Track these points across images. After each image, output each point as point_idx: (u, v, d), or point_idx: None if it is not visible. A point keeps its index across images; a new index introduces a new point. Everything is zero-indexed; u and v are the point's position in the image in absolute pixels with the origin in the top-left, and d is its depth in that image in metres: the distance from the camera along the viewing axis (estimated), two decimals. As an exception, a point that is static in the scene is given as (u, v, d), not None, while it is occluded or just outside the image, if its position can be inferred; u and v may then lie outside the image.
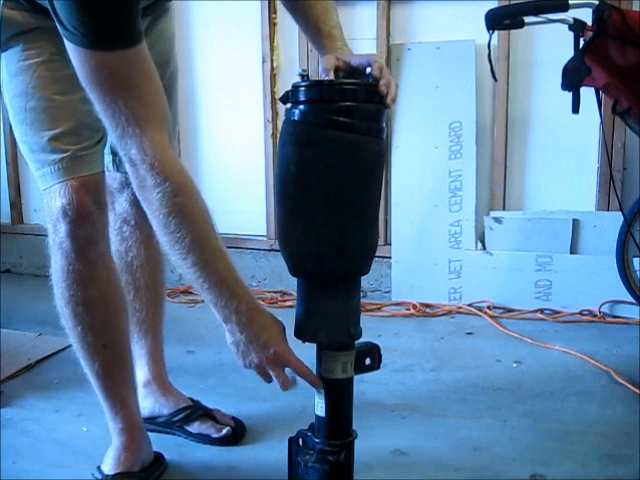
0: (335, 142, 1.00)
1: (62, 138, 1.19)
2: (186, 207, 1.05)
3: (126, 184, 1.45)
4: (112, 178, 1.45)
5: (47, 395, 1.76)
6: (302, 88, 1.02)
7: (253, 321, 1.10)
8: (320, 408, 1.13)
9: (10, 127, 1.25)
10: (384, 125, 1.05)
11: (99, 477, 1.34)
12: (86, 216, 1.20)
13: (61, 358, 1.98)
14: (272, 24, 2.58)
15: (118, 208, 1.48)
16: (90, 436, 1.54)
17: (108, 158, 1.41)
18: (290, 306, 2.39)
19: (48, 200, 1.21)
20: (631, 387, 1.74)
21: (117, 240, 1.48)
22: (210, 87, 2.75)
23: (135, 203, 1.47)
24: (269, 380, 1.13)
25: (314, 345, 1.13)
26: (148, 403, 1.54)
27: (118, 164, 1.43)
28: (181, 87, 2.38)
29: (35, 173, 1.24)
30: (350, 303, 1.10)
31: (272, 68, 2.61)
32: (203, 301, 2.36)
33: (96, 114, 1.06)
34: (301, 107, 1.01)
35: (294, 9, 1.22)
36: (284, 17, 2.55)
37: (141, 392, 1.51)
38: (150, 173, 1.03)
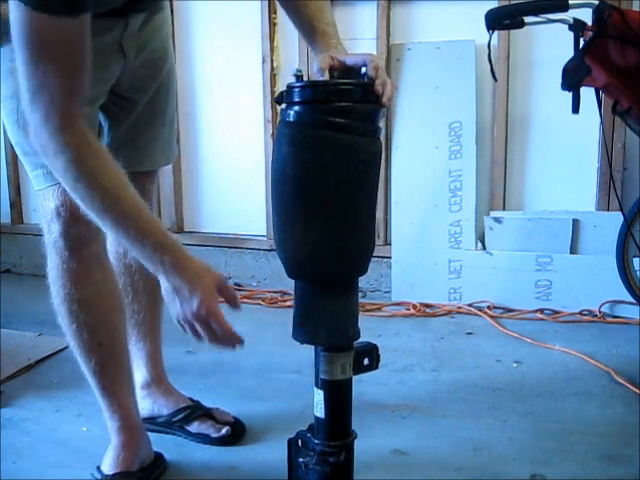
0: (331, 143, 0.99)
1: None
2: (88, 170, 1.02)
3: None
4: None
5: (47, 395, 1.76)
6: (297, 89, 1.01)
7: (181, 271, 1.03)
8: (319, 409, 1.13)
9: (9, 127, 1.25)
10: (380, 125, 1.05)
11: (98, 477, 1.34)
12: (79, 216, 1.20)
13: (61, 358, 1.99)
14: (272, 24, 2.58)
15: None
16: (90, 436, 1.55)
17: None
18: (290, 306, 2.37)
19: (42, 201, 1.23)
20: (631, 387, 1.74)
21: (115, 242, 1.48)
22: (210, 87, 2.75)
23: None
24: (198, 337, 1.05)
25: (312, 346, 1.13)
26: (147, 404, 1.54)
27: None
28: (181, 87, 2.39)
29: (30, 174, 1.25)
30: (348, 304, 1.09)
31: (272, 68, 2.60)
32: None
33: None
34: (296, 108, 1.01)
35: (289, 8, 1.23)
36: (284, 17, 2.52)
37: (140, 393, 1.51)
38: (50, 140, 1.00)
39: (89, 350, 1.29)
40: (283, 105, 1.04)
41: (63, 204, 1.20)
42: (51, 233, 1.23)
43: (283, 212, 1.05)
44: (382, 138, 1.10)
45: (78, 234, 1.22)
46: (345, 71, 1.07)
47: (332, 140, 0.99)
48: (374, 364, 1.15)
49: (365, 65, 1.04)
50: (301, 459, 1.16)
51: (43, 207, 1.23)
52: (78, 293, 1.25)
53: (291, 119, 1.01)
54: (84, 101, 1.04)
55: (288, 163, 1.02)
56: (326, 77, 1.05)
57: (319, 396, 1.12)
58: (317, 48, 1.15)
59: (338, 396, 1.13)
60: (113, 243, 1.48)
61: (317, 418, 1.14)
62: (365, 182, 1.04)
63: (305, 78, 1.04)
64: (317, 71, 1.06)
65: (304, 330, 1.10)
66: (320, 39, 1.15)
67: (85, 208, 1.04)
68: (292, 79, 1.04)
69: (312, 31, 1.17)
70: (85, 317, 1.27)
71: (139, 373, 1.54)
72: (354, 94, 1.01)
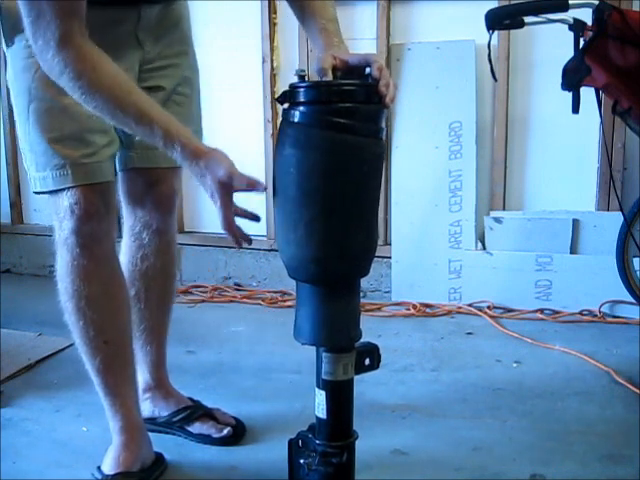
0: (335, 144, 0.99)
1: (64, 142, 1.19)
2: (92, 82, 1.02)
3: (151, 185, 1.42)
4: (134, 179, 1.41)
5: (47, 395, 1.76)
6: (301, 89, 1.01)
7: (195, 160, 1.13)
8: (321, 410, 1.12)
9: (10, 127, 1.25)
10: (383, 125, 1.04)
11: (99, 477, 1.34)
12: (93, 214, 1.22)
13: (61, 358, 1.98)
14: (272, 24, 2.57)
15: (140, 212, 1.44)
16: (90, 436, 1.54)
17: (129, 154, 1.37)
18: (290, 306, 2.39)
19: (55, 199, 1.23)
20: (631, 387, 1.74)
21: (134, 246, 1.46)
22: (210, 87, 2.73)
23: (159, 207, 1.43)
24: (229, 216, 1.17)
25: (313, 347, 1.13)
26: (148, 406, 1.54)
27: (143, 159, 1.39)
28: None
29: (35, 174, 1.24)
30: (351, 305, 1.09)
31: (272, 68, 2.60)
32: (203, 301, 2.35)
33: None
34: (300, 108, 1.00)
35: (294, 5, 1.22)
36: (284, 17, 2.55)
37: (141, 396, 1.51)
38: (53, 60, 1.01)
39: (95, 348, 1.29)
40: (285, 105, 1.04)
41: (77, 202, 1.21)
42: (63, 230, 1.24)
43: (286, 212, 1.05)
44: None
45: (91, 231, 1.23)
46: (348, 71, 1.07)
47: (336, 141, 0.99)
48: (375, 364, 1.15)
49: (369, 65, 1.03)
50: (302, 460, 1.16)
51: (56, 205, 1.23)
52: (86, 290, 1.26)
53: (295, 119, 1.01)
54: (81, 19, 1.04)
55: (292, 164, 1.02)
56: (329, 77, 1.05)
57: (321, 397, 1.12)
58: (319, 45, 1.15)
59: (340, 397, 1.13)
60: (132, 248, 1.47)
61: (319, 419, 1.14)
62: (369, 183, 1.04)
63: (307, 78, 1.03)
64: (318, 71, 1.05)
65: (306, 331, 1.09)
66: (322, 36, 1.15)
67: (100, 113, 1.05)
68: (292, 79, 1.03)
69: (314, 27, 1.17)
70: (92, 314, 1.27)
71: (142, 376, 1.53)
72: (358, 95, 1.01)
